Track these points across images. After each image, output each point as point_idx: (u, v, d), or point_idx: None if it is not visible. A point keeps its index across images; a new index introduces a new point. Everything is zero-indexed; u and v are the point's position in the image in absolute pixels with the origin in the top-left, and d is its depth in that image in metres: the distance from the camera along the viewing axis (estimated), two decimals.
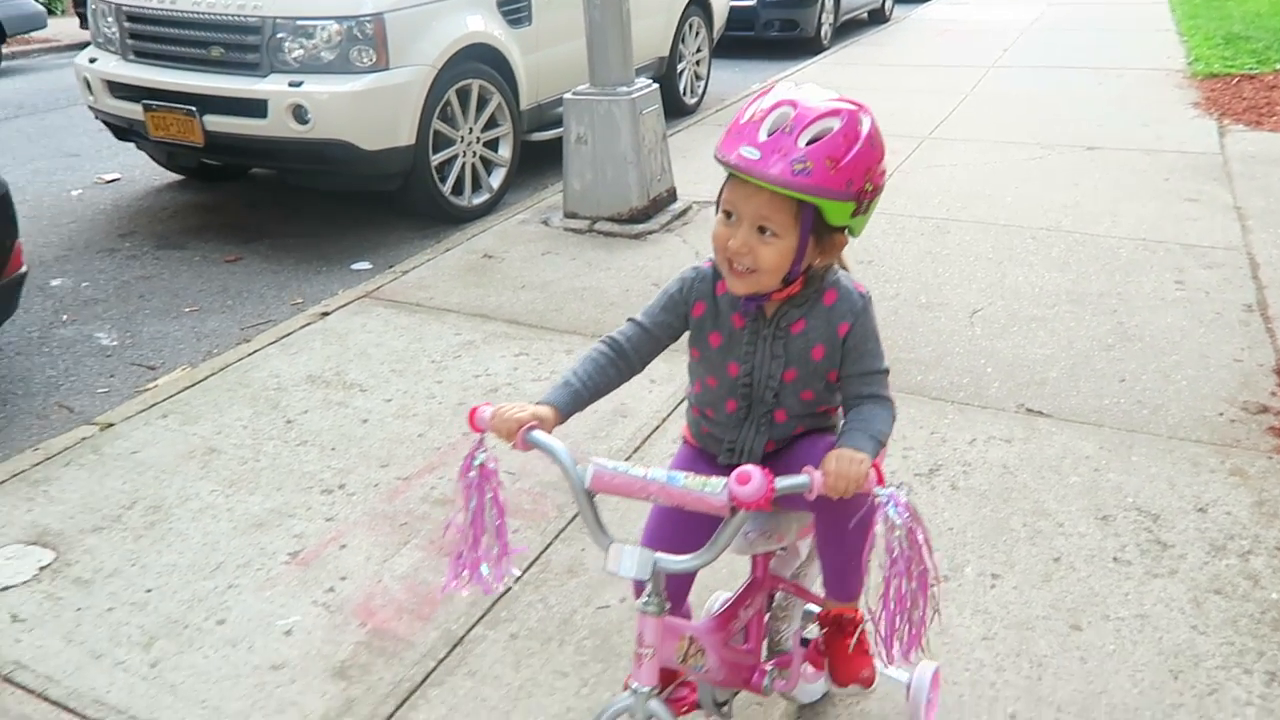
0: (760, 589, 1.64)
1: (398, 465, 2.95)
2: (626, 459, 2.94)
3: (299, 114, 4.77)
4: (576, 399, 1.48)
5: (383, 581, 2.43)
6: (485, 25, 5.47)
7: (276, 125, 4.81)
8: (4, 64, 11.10)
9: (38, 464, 2.97)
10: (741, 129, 1.40)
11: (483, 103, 5.52)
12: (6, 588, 2.41)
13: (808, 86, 1.45)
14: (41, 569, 2.48)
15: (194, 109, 4.85)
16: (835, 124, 1.37)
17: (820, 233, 1.44)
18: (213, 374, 3.55)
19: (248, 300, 4.51)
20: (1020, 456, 2.91)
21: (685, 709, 1.68)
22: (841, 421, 1.57)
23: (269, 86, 4.78)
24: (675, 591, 1.60)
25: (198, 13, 4.94)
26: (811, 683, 1.88)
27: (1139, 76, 8.64)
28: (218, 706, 2.05)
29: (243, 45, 4.89)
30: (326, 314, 4.07)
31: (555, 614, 2.31)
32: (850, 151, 1.37)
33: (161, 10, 5.05)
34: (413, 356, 3.65)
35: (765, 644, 1.71)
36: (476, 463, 1.45)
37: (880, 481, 1.31)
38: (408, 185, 5.21)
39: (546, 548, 2.55)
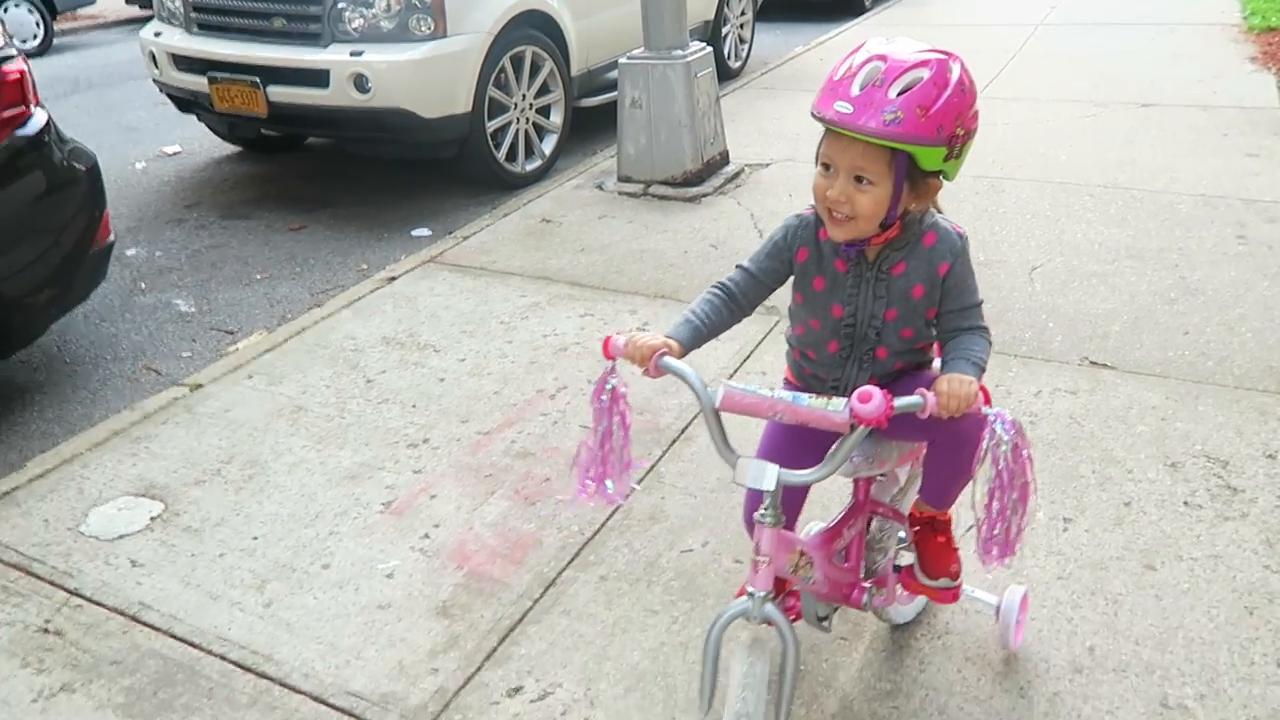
0: (861, 512, 1.75)
1: (477, 421, 3.06)
2: (696, 413, 3.03)
3: (360, 83, 4.86)
4: (697, 335, 1.59)
5: (474, 529, 2.55)
6: None
7: (338, 95, 4.91)
8: (56, 40, 11.31)
9: (136, 423, 3.12)
10: (836, 85, 1.47)
11: (535, 69, 5.58)
12: (122, 536, 2.56)
13: (900, 40, 1.51)
14: (153, 519, 2.63)
15: (258, 80, 4.96)
16: (925, 74, 1.43)
17: (914, 178, 1.51)
18: (290, 337, 3.68)
19: (315, 267, 4.64)
20: (1086, 407, 2.96)
21: (791, 618, 1.79)
22: (935, 359, 1.66)
23: (331, 56, 4.88)
24: (789, 508, 1.71)
25: None
26: (905, 605, 2.00)
27: (1193, 31, 8.49)
28: (332, 642, 2.18)
29: (304, 15, 4.98)
30: (394, 279, 4.18)
31: (641, 557, 2.42)
32: (940, 99, 1.44)
33: None
34: (481, 318, 3.76)
35: (864, 565, 1.81)
36: (609, 387, 1.56)
37: (988, 401, 1.41)
38: (464, 152, 5.30)
39: (630, 496, 2.65)
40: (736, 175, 5.31)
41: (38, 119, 3.28)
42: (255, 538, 2.55)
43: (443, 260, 4.37)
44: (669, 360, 1.52)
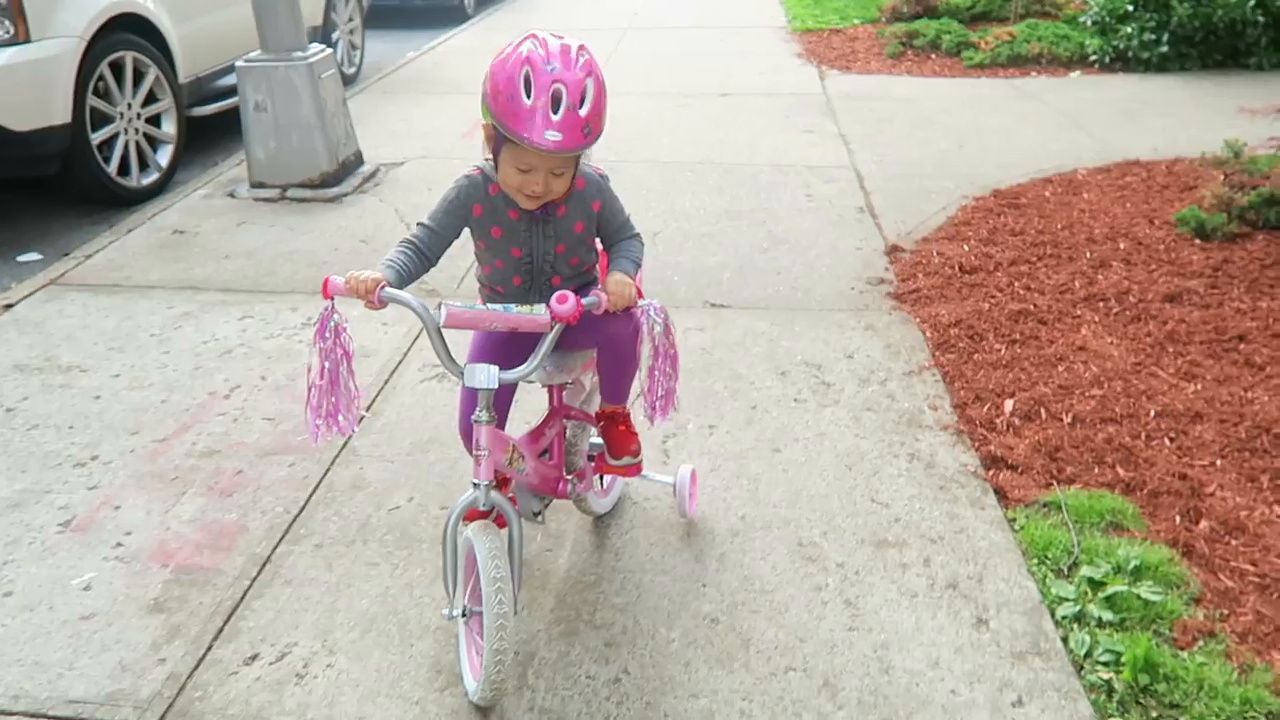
0: (556, 416, 2.07)
1: (148, 430, 2.96)
2: (379, 392, 3.18)
3: None
4: (400, 278, 1.80)
5: (171, 529, 2.51)
6: None
7: None
8: None
9: None
10: (530, 112, 1.68)
11: (139, 77, 5.26)
12: None
13: (542, 37, 1.77)
14: None
15: None
16: (592, 82, 1.74)
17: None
18: None
19: None
20: (713, 339, 3.52)
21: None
22: (599, 281, 2.02)
23: None
24: (499, 409, 1.97)
25: None
26: (602, 498, 2.36)
27: (754, 33, 9.87)
28: (38, 660, 2.08)
29: None
30: (10, 305, 3.82)
31: (351, 522, 2.54)
32: (604, 96, 1.76)
33: None
34: (128, 333, 3.57)
35: (565, 463, 2.13)
36: (331, 325, 1.72)
37: (640, 295, 1.79)
38: (68, 168, 4.88)
39: (326, 472, 2.74)
40: (373, 174, 5.41)
41: None
42: None
43: (67, 281, 4.05)
44: (390, 290, 1.71)
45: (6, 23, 4.49)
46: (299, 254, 4.34)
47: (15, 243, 4.73)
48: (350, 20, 8.27)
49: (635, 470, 2.26)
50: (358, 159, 5.46)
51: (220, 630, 2.17)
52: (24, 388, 3.20)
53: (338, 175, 5.18)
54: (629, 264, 1.93)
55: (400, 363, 3.37)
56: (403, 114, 6.73)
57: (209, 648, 2.12)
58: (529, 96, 1.69)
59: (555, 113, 1.69)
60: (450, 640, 2.09)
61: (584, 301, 1.73)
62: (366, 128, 6.09)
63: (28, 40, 4.55)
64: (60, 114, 4.69)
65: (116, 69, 5.07)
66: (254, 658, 2.10)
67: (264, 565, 2.38)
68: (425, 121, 6.38)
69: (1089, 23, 8.07)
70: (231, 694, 2.00)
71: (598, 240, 2.03)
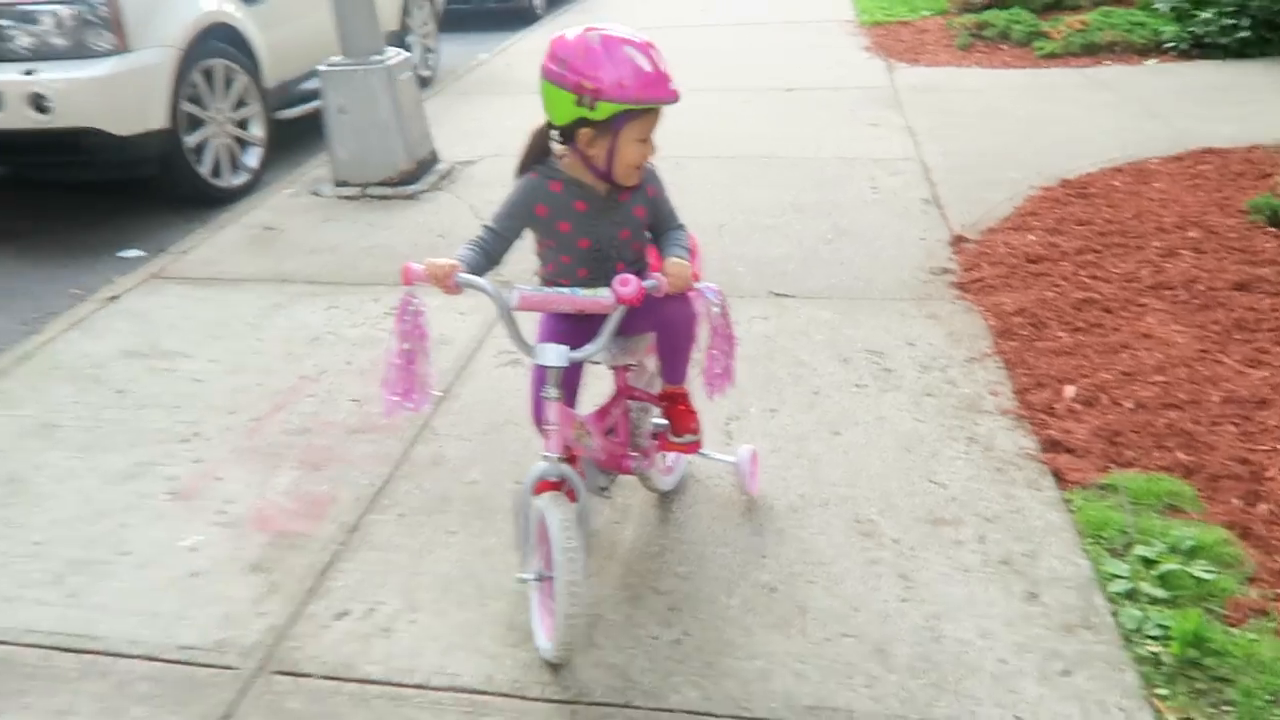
0: (621, 397, 2.20)
1: (245, 411, 3.18)
2: (456, 376, 3.35)
3: (38, 102, 4.65)
4: (472, 268, 1.94)
5: (268, 498, 2.72)
6: (221, 5, 5.50)
7: (15, 117, 4.66)
8: None
9: None
10: (654, 76, 1.88)
11: (229, 83, 5.56)
12: None
13: (587, 29, 1.92)
14: None
15: None
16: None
17: None
18: (16, 364, 3.54)
19: (20, 297, 4.39)
20: (776, 327, 3.62)
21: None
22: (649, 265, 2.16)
23: (5, 76, 4.62)
24: (568, 388, 2.10)
25: None
26: (666, 476, 2.48)
27: (820, 27, 9.88)
28: (153, 611, 2.29)
29: None
30: (116, 297, 4.10)
31: (432, 494, 2.72)
32: None
33: None
34: (225, 322, 3.82)
35: (630, 441, 2.27)
36: (411, 309, 1.88)
37: (697, 278, 1.91)
38: (165, 169, 5.20)
39: (408, 450, 2.92)
40: (449, 173, 5.62)
41: None
42: (38, 543, 2.55)
43: (166, 275, 4.33)
44: (465, 276, 1.86)
45: (109, 35, 4.80)
46: (379, 248, 4.56)
47: (116, 240, 5.04)
48: (425, 24, 8.54)
49: (695, 447, 2.37)
50: (434, 158, 5.68)
51: (313, 588, 2.36)
52: (133, 371, 3.45)
53: (415, 173, 5.40)
54: (683, 250, 2.06)
55: (476, 350, 3.54)
56: (476, 114, 6.95)
57: (304, 603, 2.31)
58: (648, 64, 1.87)
59: (664, 67, 1.89)
60: (523, 601, 2.23)
61: (645, 284, 1.85)
62: (440, 128, 6.30)
63: (128, 50, 4.86)
64: (158, 119, 5.00)
65: (208, 76, 5.37)
66: (344, 614, 2.28)
67: (352, 532, 2.56)
68: (497, 121, 6.58)
69: (1165, 9, 7.91)
70: (325, 645, 2.18)
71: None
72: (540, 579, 2.08)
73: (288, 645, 2.19)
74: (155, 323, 3.84)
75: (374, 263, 4.39)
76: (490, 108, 7.05)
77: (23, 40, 4.70)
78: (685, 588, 2.32)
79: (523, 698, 2.03)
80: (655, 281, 1.89)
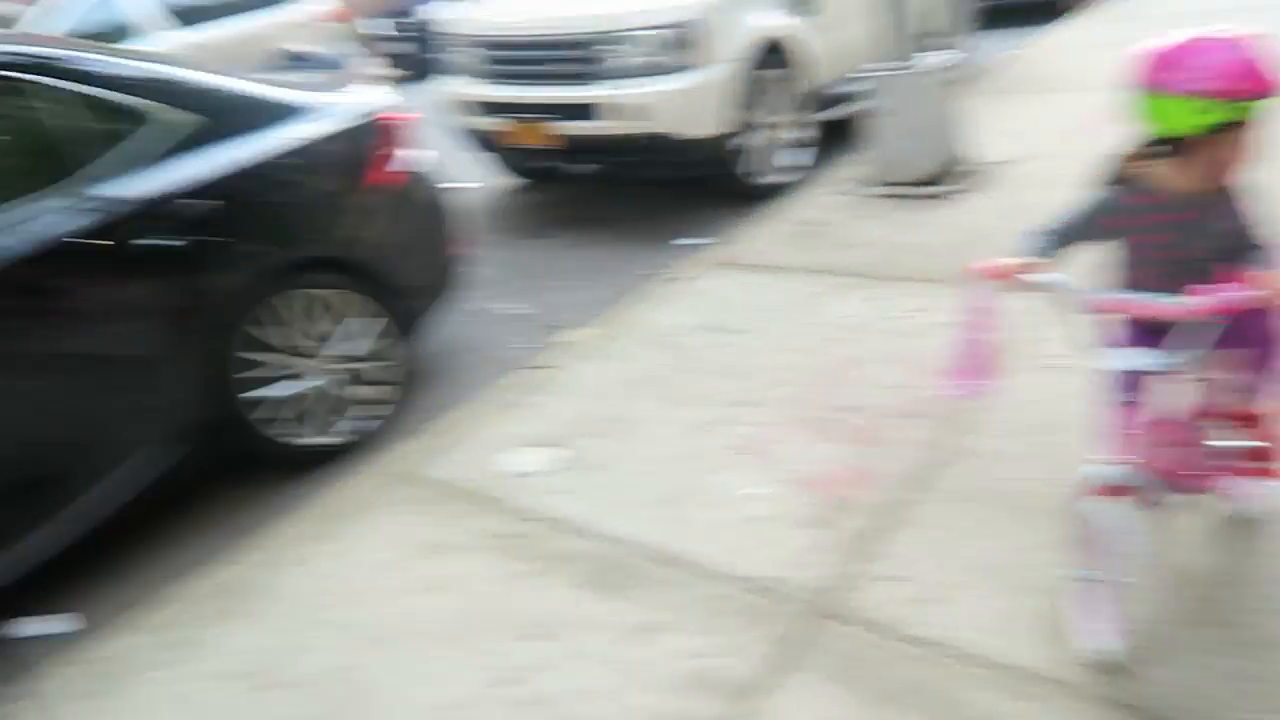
0: (1198, 411, 2.12)
1: (794, 386, 3.58)
2: (1010, 375, 3.41)
3: (637, 112, 5.59)
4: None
5: (819, 465, 3.06)
6: (780, 21, 6.09)
7: (622, 124, 5.67)
8: None
9: (515, 395, 3.85)
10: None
11: (780, 89, 6.13)
12: (533, 474, 3.25)
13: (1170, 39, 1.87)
14: (557, 461, 3.31)
15: (555, 117, 5.78)
16: None
17: None
18: (615, 328, 4.35)
19: (604, 274, 5.31)
20: None
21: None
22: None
23: (608, 91, 5.65)
24: (1136, 395, 2.07)
25: (549, 35, 5.88)
26: (1248, 501, 2.37)
27: None
28: (720, 545, 2.76)
29: (584, 58, 5.77)
30: (694, 279, 4.80)
31: (969, 485, 2.86)
32: None
33: (518, 36, 6.04)
34: (778, 306, 4.30)
35: (1204, 459, 2.18)
36: (981, 302, 2.02)
37: None
38: (722, 168, 5.92)
39: (954, 439, 3.08)
40: (980, 173, 5.62)
41: (420, 156, 4.13)
42: (635, 473, 3.17)
43: (728, 261, 4.96)
44: (1036, 275, 1.95)
45: (688, 54, 5.59)
46: (913, 246, 4.75)
47: (672, 230, 5.86)
48: (960, 24, 8.52)
49: (1276, 475, 2.20)
50: (965, 158, 5.72)
51: (858, 551, 2.64)
52: (701, 342, 4.06)
53: (948, 174, 5.50)
54: (1269, 263, 1.89)
55: (1032, 350, 3.53)
56: (1007, 113, 6.79)
57: (848, 562, 2.60)
58: (1249, 58, 1.80)
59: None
60: (1058, 599, 2.28)
61: (1232, 297, 1.78)
62: (972, 127, 6.30)
63: (699, 67, 5.62)
64: (722, 125, 5.72)
65: (763, 84, 5.99)
66: (884, 578, 2.52)
67: (896, 507, 2.80)
68: (1029, 120, 6.38)
69: None
70: (868, 602, 2.45)
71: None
72: (1094, 580, 2.11)
73: (835, 594, 2.49)
74: (718, 302, 4.45)
75: (909, 259, 4.59)
76: (1025, 107, 6.84)
77: (634, 59, 5.66)
78: (1255, 622, 2.18)
79: (1071, 690, 2.10)
80: (1244, 294, 1.80)
